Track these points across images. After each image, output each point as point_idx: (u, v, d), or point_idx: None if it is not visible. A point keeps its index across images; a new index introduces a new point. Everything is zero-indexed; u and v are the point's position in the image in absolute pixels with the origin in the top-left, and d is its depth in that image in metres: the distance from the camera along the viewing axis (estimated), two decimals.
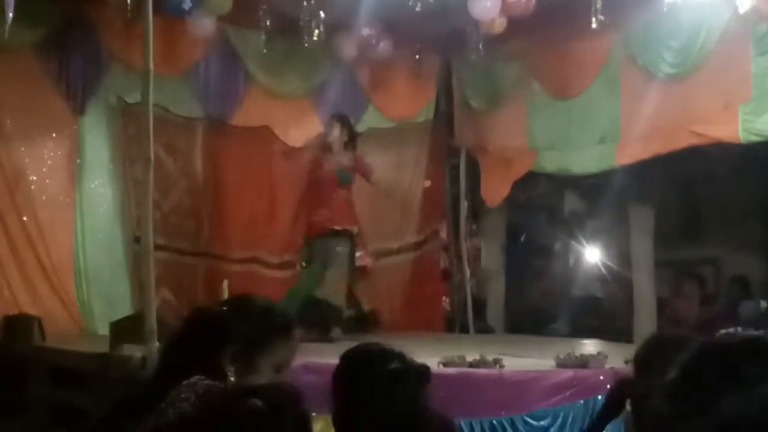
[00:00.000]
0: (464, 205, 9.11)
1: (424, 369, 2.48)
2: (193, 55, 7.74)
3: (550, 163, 8.20)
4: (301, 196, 7.77)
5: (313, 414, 3.85)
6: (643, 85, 7.21)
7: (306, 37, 7.15)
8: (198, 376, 2.08)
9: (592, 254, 9.74)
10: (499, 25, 7.22)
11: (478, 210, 9.39)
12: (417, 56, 8.72)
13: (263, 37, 7.46)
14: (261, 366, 2.35)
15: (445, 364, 5.24)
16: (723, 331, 1.62)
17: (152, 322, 4.98)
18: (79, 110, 7.40)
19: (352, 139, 7.42)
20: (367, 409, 2.33)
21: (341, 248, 7.18)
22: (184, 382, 2.04)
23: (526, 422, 5.08)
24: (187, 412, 1.88)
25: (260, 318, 2.43)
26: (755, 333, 1.59)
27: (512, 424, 5.05)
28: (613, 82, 7.56)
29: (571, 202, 10.61)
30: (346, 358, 2.52)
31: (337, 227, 7.21)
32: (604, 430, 3.17)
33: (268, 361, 2.36)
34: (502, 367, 5.24)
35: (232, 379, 2.24)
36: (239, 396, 1.66)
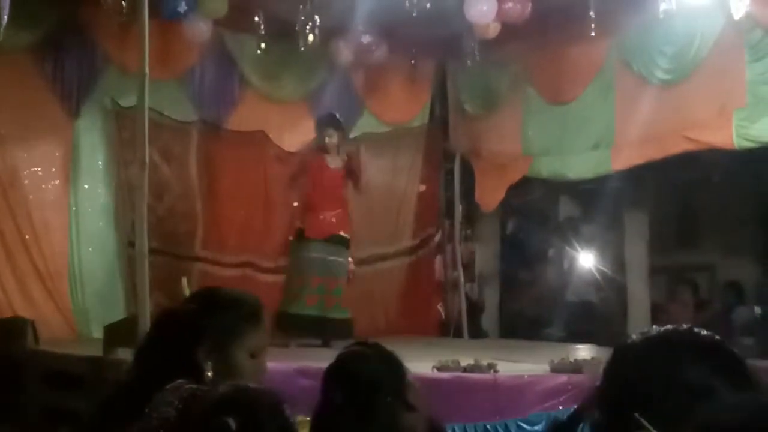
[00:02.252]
0: (459, 209, 9.12)
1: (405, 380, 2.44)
2: (189, 59, 7.73)
3: (545, 168, 8.21)
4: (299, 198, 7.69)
5: (307, 418, 3.84)
6: (638, 91, 7.23)
7: (301, 42, 7.16)
8: (181, 380, 2.07)
9: (587, 259, 9.74)
10: (493, 29, 7.23)
11: (473, 215, 9.40)
12: (412, 61, 8.74)
13: (258, 41, 7.46)
14: (237, 355, 2.35)
15: (439, 369, 5.24)
16: (640, 331, 1.62)
17: (146, 326, 4.97)
18: (74, 113, 7.40)
19: (344, 140, 7.28)
20: (346, 409, 2.31)
21: (343, 256, 7.05)
22: (168, 386, 2.03)
23: (520, 427, 5.08)
24: (171, 418, 1.88)
25: (228, 308, 2.43)
26: (671, 328, 1.59)
27: (506, 428, 5.05)
28: (607, 88, 7.58)
29: (566, 208, 10.62)
30: (338, 358, 2.49)
31: (340, 233, 7.03)
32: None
33: (243, 350, 2.37)
34: (496, 371, 5.24)
35: (210, 374, 2.24)
36: (214, 409, 1.65)
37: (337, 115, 7.33)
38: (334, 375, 2.38)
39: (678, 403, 1.43)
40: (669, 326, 1.59)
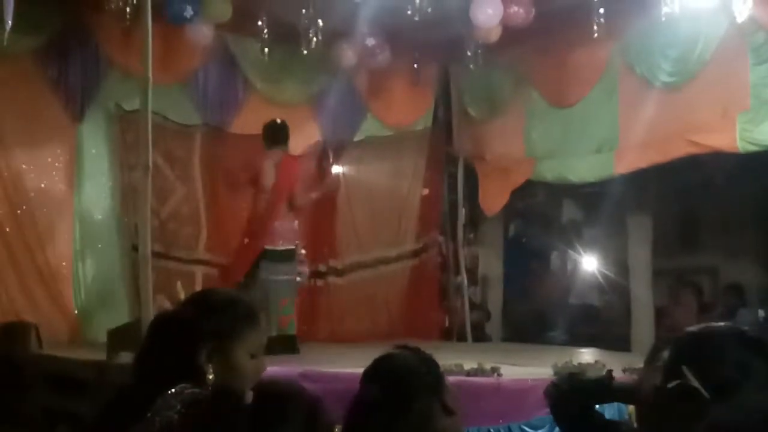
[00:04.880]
0: (462, 213, 9.12)
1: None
2: (192, 63, 7.75)
3: (549, 171, 8.21)
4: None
5: None
6: (642, 94, 7.22)
7: (304, 45, 7.17)
8: (183, 385, 2.08)
9: (590, 263, 9.74)
10: (495, 33, 7.24)
11: (476, 218, 9.39)
12: (415, 64, 8.74)
13: (262, 44, 7.47)
14: (238, 356, 2.36)
15: None
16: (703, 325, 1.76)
17: None
18: (78, 117, 7.40)
19: (274, 140, 6.85)
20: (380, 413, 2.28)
21: (288, 274, 6.70)
22: (170, 391, 2.04)
23: (523, 431, 5.07)
24: (173, 422, 1.88)
25: (226, 309, 2.44)
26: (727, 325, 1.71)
27: None
28: (611, 91, 7.58)
29: (569, 211, 10.62)
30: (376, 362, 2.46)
31: (281, 247, 6.69)
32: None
33: (243, 350, 2.38)
34: (499, 375, 5.23)
35: (211, 377, 2.25)
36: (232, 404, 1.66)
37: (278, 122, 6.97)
38: (370, 373, 2.35)
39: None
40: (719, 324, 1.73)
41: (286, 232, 6.75)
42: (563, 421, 2.61)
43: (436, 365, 2.36)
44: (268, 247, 6.66)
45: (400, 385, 2.25)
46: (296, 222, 6.89)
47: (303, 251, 6.98)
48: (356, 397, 2.29)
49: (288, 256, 6.72)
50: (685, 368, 1.72)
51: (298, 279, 6.83)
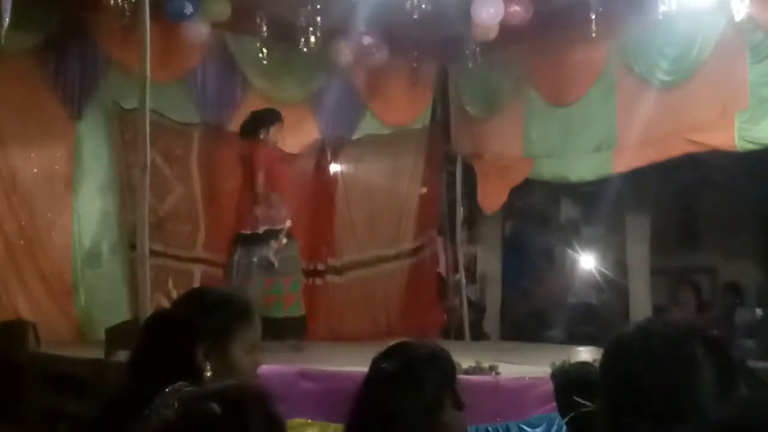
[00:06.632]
0: (460, 211, 9.12)
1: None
2: (191, 61, 7.75)
3: (547, 170, 8.21)
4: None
5: (309, 420, 3.83)
6: (640, 93, 7.22)
7: (303, 44, 7.16)
8: (181, 382, 2.08)
9: (588, 261, 9.75)
10: (493, 32, 7.24)
11: (474, 217, 9.40)
12: (414, 63, 8.75)
13: (260, 43, 7.47)
14: (234, 353, 2.37)
15: None
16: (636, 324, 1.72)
17: None
18: (76, 115, 7.40)
19: (248, 130, 6.96)
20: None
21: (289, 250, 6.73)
22: (168, 389, 2.04)
23: (521, 429, 5.07)
24: (171, 420, 1.89)
25: (221, 306, 2.44)
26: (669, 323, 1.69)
27: (507, 430, 5.04)
28: (609, 90, 7.58)
29: (568, 210, 10.63)
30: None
31: (271, 226, 6.70)
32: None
33: (240, 347, 2.39)
34: (497, 373, 5.23)
35: (209, 374, 2.25)
36: (196, 401, 1.66)
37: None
38: (391, 349, 2.34)
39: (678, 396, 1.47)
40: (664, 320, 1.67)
41: (256, 217, 6.77)
42: (563, 410, 2.61)
43: (450, 359, 2.35)
44: (242, 231, 6.70)
45: (413, 368, 2.25)
46: (271, 208, 6.86)
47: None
48: (367, 378, 2.28)
49: (256, 239, 6.70)
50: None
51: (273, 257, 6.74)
